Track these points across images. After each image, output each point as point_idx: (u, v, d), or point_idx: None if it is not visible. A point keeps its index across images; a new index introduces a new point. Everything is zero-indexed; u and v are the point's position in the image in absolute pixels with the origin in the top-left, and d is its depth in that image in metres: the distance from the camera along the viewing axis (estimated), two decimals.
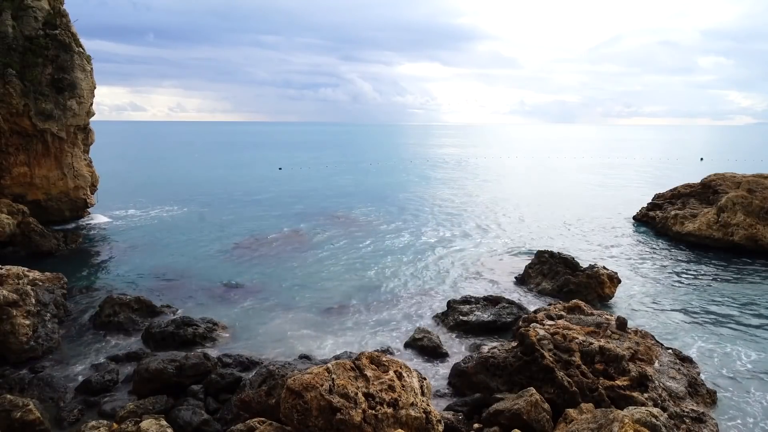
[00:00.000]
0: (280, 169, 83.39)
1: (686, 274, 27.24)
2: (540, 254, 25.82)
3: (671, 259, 30.11)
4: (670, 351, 15.94)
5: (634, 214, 40.98)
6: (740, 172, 40.53)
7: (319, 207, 46.98)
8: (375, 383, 11.31)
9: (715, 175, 39.04)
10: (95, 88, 36.24)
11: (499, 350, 15.52)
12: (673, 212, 35.91)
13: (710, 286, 25.28)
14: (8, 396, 13.29)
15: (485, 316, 20.12)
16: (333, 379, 11.04)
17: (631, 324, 16.78)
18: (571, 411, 12.33)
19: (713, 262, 29.36)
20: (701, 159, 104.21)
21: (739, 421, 14.08)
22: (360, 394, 10.91)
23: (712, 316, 21.46)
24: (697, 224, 33.32)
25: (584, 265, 24.95)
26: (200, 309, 21.92)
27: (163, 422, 12.22)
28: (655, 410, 10.81)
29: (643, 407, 11.07)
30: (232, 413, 13.57)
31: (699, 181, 39.80)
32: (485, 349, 15.92)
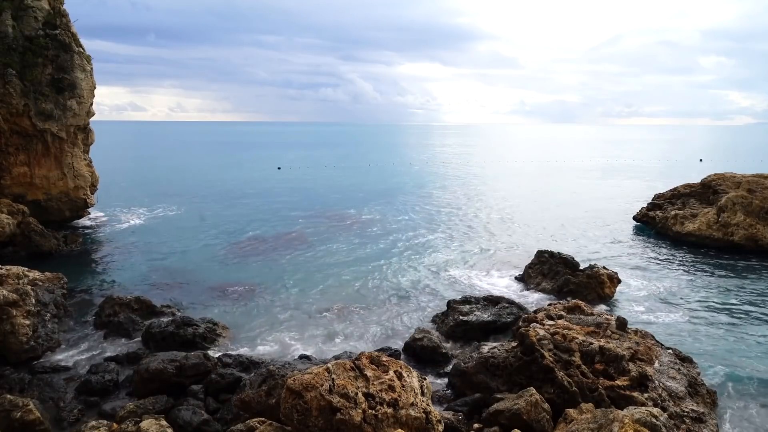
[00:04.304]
0: (278, 168, 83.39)
1: (686, 274, 27.24)
2: (540, 254, 25.82)
3: (671, 259, 30.11)
4: (670, 351, 15.93)
5: (634, 214, 40.96)
6: (740, 172, 40.50)
7: (318, 207, 46.99)
8: (375, 383, 11.30)
9: (715, 175, 39.00)
10: (95, 88, 36.22)
11: (499, 350, 15.51)
12: (673, 212, 35.89)
13: (710, 286, 25.28)
14: (8, 396, 13.28)
15: (485, 316, 20.11)
16: (333, 379, 11.04)
17: (631, 324, 16.77)
18: (571, 411, 12.33)
19: (713, 262, 29.36)
20: (700, 160, 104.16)
21: (739, 421, 14.09)
22: (360, 394, 10.91)
23: (712, 316, 21.46)
24: (697, 224, 33.31)
25: (584, 264, 24.95)
26: (200, 309, 21.93)
27: (163, 422, 12.23)
28: (655, 410, 10.81)
29: (643, 407, 11.07)
30: (232, 413, 13.57)
31: (699, 181, 39.76)
32: (485, 349, 15.91)
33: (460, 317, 19.98)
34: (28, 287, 18.71)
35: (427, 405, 11.51)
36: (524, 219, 41.90)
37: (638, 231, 37.75)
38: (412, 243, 33.73)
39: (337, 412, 10.48)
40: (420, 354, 17.69)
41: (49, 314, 18.78)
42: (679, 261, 29.66)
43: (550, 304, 18.63)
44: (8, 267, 19.34)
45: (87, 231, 35.59)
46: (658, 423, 10.30)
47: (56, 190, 35.11)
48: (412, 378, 11.94)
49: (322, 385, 10.81)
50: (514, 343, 15.40)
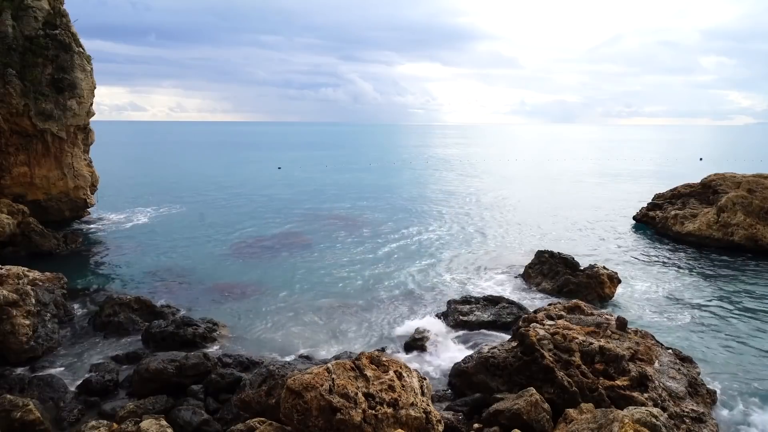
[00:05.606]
0: (279, 168, 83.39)
1: (686, 274, 27.24)
2: (540, 254, 25.82)
3: (671, 259, 30.12)
4: (670, 351, 15.93)
5: (634, 214, 40.98)
6: (740, 172, 40.49)
7: (318, 206, 47.00)
8: (375, 383, 11.31)
9: (715, 175, 38.99)
10: (95, 88, 36.23)
11: (499, 350, 15.51)
12: (673, 212, 35.88)
13: (710, 286, 25.28)
14: (8, 396, 13.28)
15: (485, 316, 20.12)
16: (333, 379, 11.04)
17: (631, 324, 16.78)
18: (571, 411, 12.33)
19: (713, 262, 29.36)
20: (701, 159, 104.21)
21: (739, 421, 14.08)
22: (360, 394, 10.91)
23: (713, 316, 21.45)
24: (697, 224, 33.30)
25: (584, 265, 24.95)
26: (200, 309, 21.92)
27: (163, 422, 12.22)
28: (655, 410, 10.80)
29: (643, 407, 11.06)
30: (232, 413, 13.57)
31: (699, 181, 39.76)
32: (485, 349, 15.91)
33: (460, 317, 20.01)
34: (28, 287, 18.72)
35: (427, 405, 11.52)
36: (524, 218, 41.89)
37: (638, 231, 37.75)
38: (413, 242, 33.73)
39: (337, 412, 10.48)
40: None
41: (49, 314, 18.79)
42: (679, 261, 29.66)
43: (550, 304, 18.63)
44: (8, 267, 19.35)
45: (87, 231, 35.58)
46: (658, 423, 10.30)
47: (56, 190, 35.13)
48: (412, 378, 11.94)
49: (322, 385, 10.82)
50: (514, 343, 15.39)
